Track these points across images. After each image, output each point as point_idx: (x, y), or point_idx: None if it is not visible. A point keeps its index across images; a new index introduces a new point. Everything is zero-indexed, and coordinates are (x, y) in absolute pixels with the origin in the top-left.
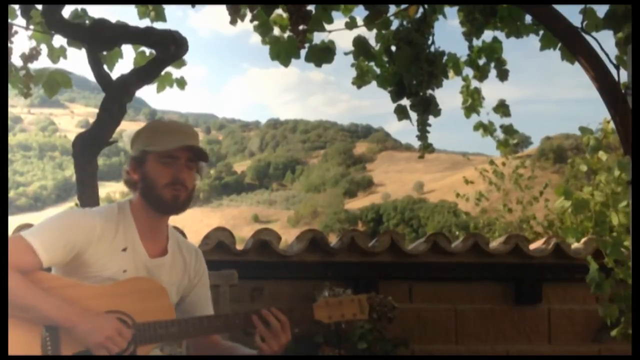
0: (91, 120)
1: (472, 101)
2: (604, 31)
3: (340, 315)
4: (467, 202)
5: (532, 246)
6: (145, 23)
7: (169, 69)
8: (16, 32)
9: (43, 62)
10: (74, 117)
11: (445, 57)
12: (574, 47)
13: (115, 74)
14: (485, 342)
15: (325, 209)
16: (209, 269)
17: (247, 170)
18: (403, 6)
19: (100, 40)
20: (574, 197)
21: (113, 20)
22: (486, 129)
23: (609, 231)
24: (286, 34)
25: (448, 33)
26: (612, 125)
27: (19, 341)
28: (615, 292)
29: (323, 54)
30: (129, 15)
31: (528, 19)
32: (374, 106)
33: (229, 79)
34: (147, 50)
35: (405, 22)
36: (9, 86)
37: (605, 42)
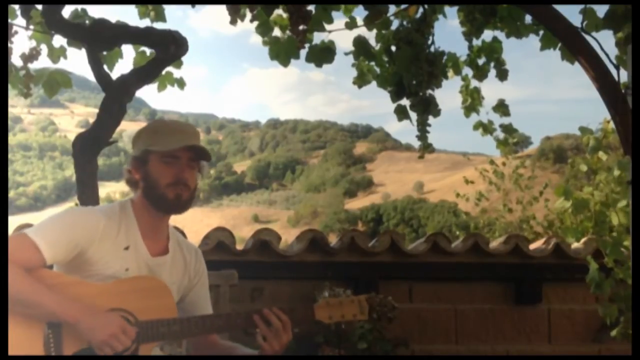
0: (91, 120)
1: (472, 101)
2: (604, 31)
3: (341, 316)
4: (467, 202)
5: (532, 246)
6: (145, 23)
7: (170, 68)
8: (16, 32)
9: (43, 62)
10: (74, 117)
11: (444, 57)
12: (574, 47)
13: (115, 74)
14: (485, 342)
15: (325, 209)
16: (208, 269)
17: (247, 170)
18: (403, 6)
19: (100, 40)
20: (573, 197)
21: (113, 20)
22: (486, 128)
23: (608, 231)
24: (286, 34)
25: (448, 33)
26: (612, 125)
27: (21, 339)
28: (615, 292)
29: (323, 54)
30: (129, 15)
31: (528, 19)
32: (374, 106)
33: (229, 79)
34: (147, 50)
35: (405, 22)
36: (9, 86)
37: (605, 42)
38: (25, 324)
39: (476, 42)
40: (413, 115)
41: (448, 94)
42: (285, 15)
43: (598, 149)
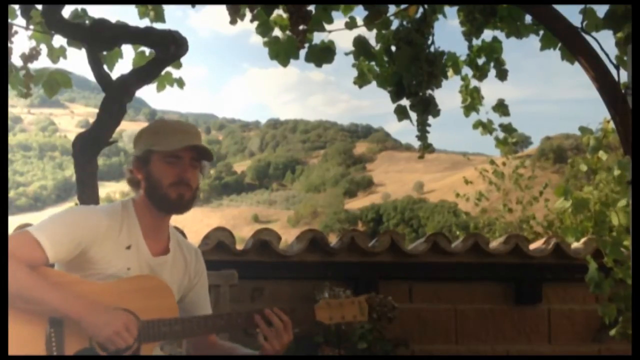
0: (91, 120)
1: (472, 100)
2: (604, 31)
3: (341, 317)
4: (467, 202)
5: (532, 246)
6: (145, 23)
7: (169, 68)
8: (16, 32)
9: (43, 62)
10: (74, 117)
11: (444, 57)
12: (574, 47)
13: (115, 74)
14: (485, 342)
15: (325, 209)
16: (208, 269)
17: (247, 170)
18: (403, 6)
19: (100, 40)
20: (573, 196)
21: (113, 20)
22: (485, 127)
23: (608, 231)
24: (286, 34)
25: (448, 33)
26: (612, 125)
27: (23, 336)
28: (614, 291)
29: (323, 54)
30: (129, 15)
31: (528, 19)
32: (374, 106)
33: (229, 79)
34: (147, 50)
35: (405, 22)
36: (9, 86)
37: (605, 42)
38: (28, 321)
39: (476, 42)
40: (413, 115)
41: (448, 94)
42: (285, 15)
43: (598, 148)
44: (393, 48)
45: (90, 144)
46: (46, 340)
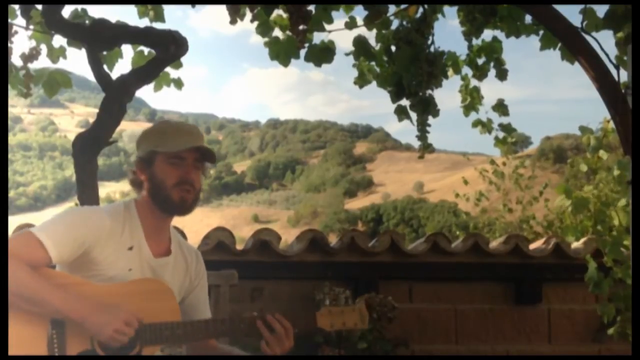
0: (91, 120)
1: (471, 100)
2: (604, 31)
3: (342, 324)
4: (467, 202)
5: (532, 246)
6: (144, 23)
7: (168, 68)
8: (16, 32)
9: (43, 62)
10: (74, 117)
11: (444, 57)
12: (574, 47)
13: (115, 74)
14: (485, 342)
15: (325, 209)
16: (208, 269)
17: (247, 170)
18: (403, 6)
19: (100, 40)
20: (573, 196)
21: (113, 20)
22: (484, 126)
23: (608, 230)
24: (286, 34)
25: (448, 33)
26: (611, 124)
27: (25, 337)
28: (613, 291)
29: (323, 54)
30: (129, 15)
31: (528, 19)
32: (374, 106)
33: (229, 79)
34: (146, 50)
35: (405, 22)
36: (9, 86)
37: (605, 42)
38: (29, 322)
39: (476, 42)
40: (413, 115)
41: (448, 94)
42: (285, 15)
43: (599, 148)
44: (393, 48)
45: (90, 144)
46: (48, 342)
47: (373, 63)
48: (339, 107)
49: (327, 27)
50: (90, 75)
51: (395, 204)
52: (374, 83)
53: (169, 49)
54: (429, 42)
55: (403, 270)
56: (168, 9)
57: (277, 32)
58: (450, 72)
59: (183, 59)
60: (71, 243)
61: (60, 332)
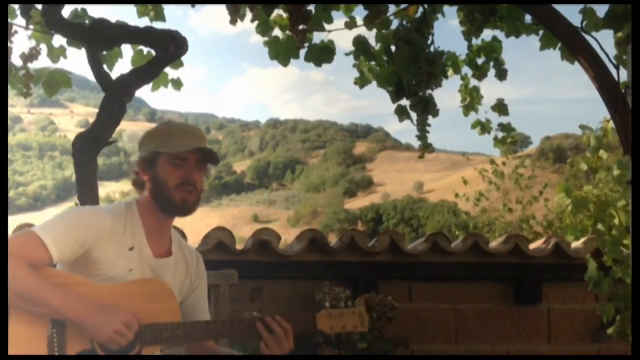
0: (91, 120)
1: (471, 100)
2: (604, 31)
3: (342, 327)
4: (467, 202)
5: (532, 246)
6: (145, 23)
7: (167, 69)
8: (16, 32)
9: (43, 62)
10: (74, 117)
11: (444, 57)
12: (574, 47)
13: (115, 74)
14: (485, 342)
15: (325, 209)
16: (208, 269)
17: (247, 170)
18: (403, 6)
19: (100, 40)
20: (573, 195)
21: (113, 20)
22: (484, 127)
23: (608, 230)
24: (286, 34)
25: (448, 33)
26: (611, 124)
27: (25, 337)
28: (613, 291)
29: (323, 54)
30: (129, 15)
31: (528, 19)
32: (374, 106)
33: (229, 79)
34: (145, 50)
35: (405, 22)
36: (9, 86)
37: (605, 42)
38: (29, 321)
39: (476, 42)
40: (413, 115)
41: (448, 94)
42: (285, 15)
43: (599, 148)
44: (393, 48)
45: (90, 144)
46: (48, 341)
47: (373, 63)
48: (339, 107)
49: (327, 27)
50: (90, 75)
51: (395, 204)
52: (374, 83)
53: (169, 49)
54: (429, 42)
55: (403, 270)
56: (168, 9)
57: (277, 32)
58: (450, 72)
59: (183, 59)
60: (72, 243)
61: (60, 331)
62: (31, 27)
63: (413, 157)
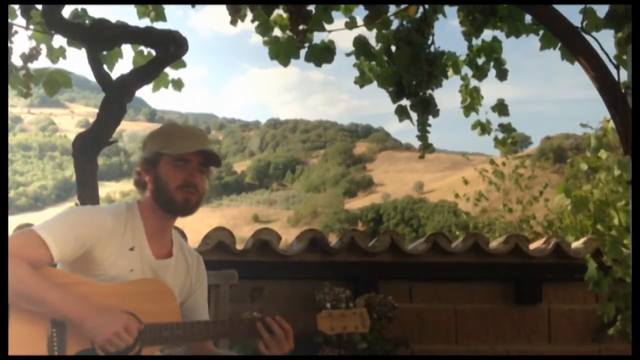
0: (91, 120)
1: (471, 100)
2: (604, 31)
3: (342, 327)
4: (467, 202)
5: (532, 246)
6: (145, 23)
7: (166, 69)
8: (16, 32)
9: (43, 62)
10: (74, 117)
11: (444, 57)
12: (574, 47)
13: (115, 74)
14: (485, 342)
15: (325, 209)
16: (208, 269)
17: (247, 170)
18: (403, 6)
19: (100, 40)
20: (573, 194)
21: (113, 20)
22: (484, 127)
23: (608, 229)
24: (286, 34)
25: (448, 33)
26: (611, 124)
27: (25, 336)
28: (613, 290)
29: (323, 54)
30: (129, 15)
31: (528, 19)
32: (374, 106)
33: (229, 79)
34: (146, 50)
35: (405, 22)
36: (9, 86)
37: (605, 42)
38: (29, 321)
39: (476, 42)
40: (413, 115)
41: (448, 94)
42: (285, 15)
43: (599, 147)
44: (393, 48)
45: (90, 144)
46: (48, 341)
47: (373, 63)
48: (339, 107)
49: (327, 27)
50: (90, 75)
51: (395, 204)
52: (375, 83)
53: (169, 49)
54: (429, 42)
55: (403, 270)
56: (168, 9)
57: (277, 32)
58: (450, 72)
59: (183, 59)
60: (72, 242)
61: (60, 331)
62: (31, 27)
63: (413, 157)
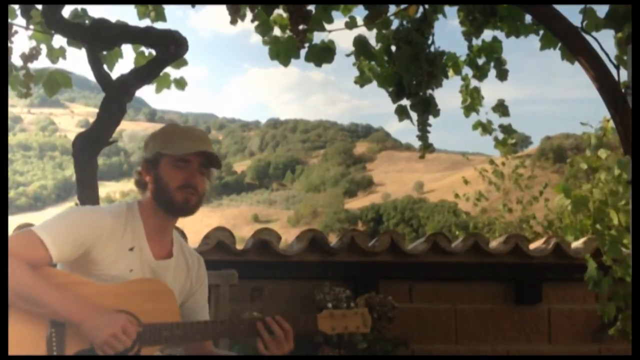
0: (91, 120)
1: (472, 100)
2: (604, 31)
3: (344, 327)
4: (467, 202)
5: (532, 246)
6: (145, 23)
7: (168, 69)
8: (16, 32)
9: (43, 62)
10: (74, 117)
11: (444, 57)
12: (574, 47)
13: (115, 74)
14: (485, 342)
15: (325, 208)
16: (208, 269)
17: (247, 170)
18: (403, 6)
19: (100, 40)
20: (572, 194)
21: (113, 20)
22: (485, 127)
23: (607, 229)
24: (286, 34)
25: (448, 33)
26: (611, 124)
27: (24, 336)
28: (613, 290)
29: (323, 54)
30: (129, 15)
31: (528, 19)
32: (374, 106)
33: (229, 79)
34: (147, 51)
35: (405, 22)
36: (9, 86)
37: (605, 42)
38: (29, 321)
39: (476, 42)
40: (413, 115)
41: (448, 94)
42: (285, 14)
43: (600, 146)
44: (393, 48)
45: (90, 144)
46: (47, 341)
47: (373, 63)
48: (339, 106)
49: (327, 27)
50: (90, 75)
51: (395, 204)
52: (374, 83)
53: (169, 48)
54: (429, 42)
55: (403, 270)
56: (168, 9)
57: (277, 32)
58: (450, 72)
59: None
60: (71, 242)
61: (59, 331)
62: (31, 27)
63: (413, 157)
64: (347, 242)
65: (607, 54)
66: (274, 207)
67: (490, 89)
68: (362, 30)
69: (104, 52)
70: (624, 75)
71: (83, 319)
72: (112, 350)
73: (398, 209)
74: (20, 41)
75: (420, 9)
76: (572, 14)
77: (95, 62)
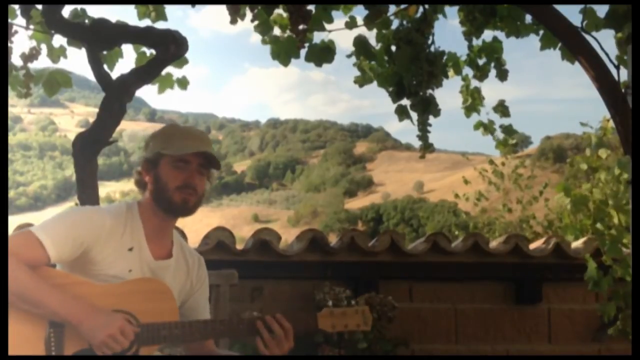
0: (91, 120)
1: (472, 100)
2: (604, 31)
3: (344, 326)
4: (467, 202)
5: (532, 246)
6: (145, 23)
7: (170, 69)
8: (16, 32)
9: (43, 62)
10: (74, 117)
11: (445, 57)
12: (574, 47)
13: (115, 74)
14: (485, 342)
15: (325, 208)
16: (209, 268)
17: (247, 170)
18: (403, 6)
19: (100, 39)
20: (572, 193)
21: (113, 20)
22: (486, 128)
23: (607, 229)
24: (286, 34)
25: (448, 33)
26: (611, 123)
27: (23, 336)
28: (613, 289)
29: (323, 54)
30: (129, 15)
31: (528, 19)
32: (374, 106)
33: (230, 79)
34: (148, 51)
35: (405, 22)
36: (9, 86)
37: (605, 42)
38: (28, 321)
39: (476, 42)
40: (414, 115)
41: (448, 94)
42: (285, 14)
43: (600, 146)
44: (393, 48)
45: (90, 144)
46: (45, 341)
47: (373, 63)
48: (339, 106)
49: (327, 26)
50: (90, 75)
51: (395, 204)
52: (375, 83)
53: (169, 48)
54: (429, 41)
55: (403, 270)
56: (168, 9)
57: (277, 32)
58: (450, 72)
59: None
60: (70, 242)
61: (58, 331)
62: (31, 27)
63: (413, 157)
64: (347, 242)
65: (607, 54)
66: (274, 207)
67: (491, 89)
68: (362, 30)
69: (104, 52)
70: (624, 75)
71: (81, 320)
72: (110, 351)
73: (398, 209)
74: (20, 41)
75: (420, 9)
76: (572, 14)
77: (95, 62)
